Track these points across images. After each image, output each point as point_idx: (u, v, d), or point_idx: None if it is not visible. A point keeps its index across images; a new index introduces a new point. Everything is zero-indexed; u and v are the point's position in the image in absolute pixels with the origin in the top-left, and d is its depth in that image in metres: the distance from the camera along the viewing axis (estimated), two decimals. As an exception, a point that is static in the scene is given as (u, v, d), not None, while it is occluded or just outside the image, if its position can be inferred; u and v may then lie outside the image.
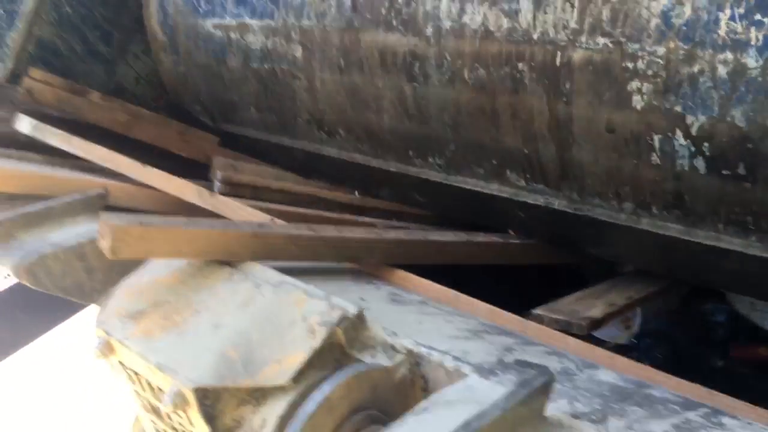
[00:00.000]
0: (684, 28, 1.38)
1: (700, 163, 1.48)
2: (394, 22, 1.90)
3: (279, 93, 2.38)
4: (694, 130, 1.45)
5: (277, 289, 1.33)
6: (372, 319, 1.29)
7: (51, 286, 1.64)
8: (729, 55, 1.34)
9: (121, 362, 1.37)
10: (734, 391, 1.99)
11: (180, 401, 1.18)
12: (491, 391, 1.08)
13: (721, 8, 1.33)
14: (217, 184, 2.12)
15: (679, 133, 1.47)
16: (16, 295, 2.56)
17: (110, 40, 2.59)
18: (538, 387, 0.96)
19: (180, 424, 1.27)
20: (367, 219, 2.12)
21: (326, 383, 1.13)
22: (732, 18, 1.32)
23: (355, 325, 1.24)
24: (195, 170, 2.36)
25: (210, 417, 1.19)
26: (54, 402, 3.99)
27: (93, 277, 1.71)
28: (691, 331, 2.13)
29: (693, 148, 1.47)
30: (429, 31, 1.82)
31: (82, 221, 1.78)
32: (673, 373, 1.86)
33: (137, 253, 1.40)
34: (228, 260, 1.46)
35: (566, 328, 1.54)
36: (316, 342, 1.20)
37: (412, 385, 1.24)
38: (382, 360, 1.23)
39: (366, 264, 1.66)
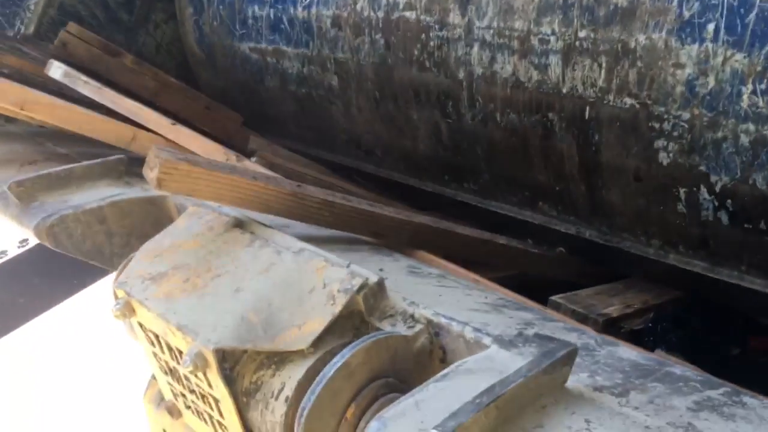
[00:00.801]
0: (708, 97, 1.44)
1: (723, 216, 1.55)
2: (427, 64, 1.96)
3: (317, 114, 2.44)
4: (717, 188, 1.52)
5: (297, 256, 1.33)
6: (392, 288, 1.29)
7: (72, 249, 1.65)
8: (751, 126, 1.39)
9: (140, 323, 1.38)
10: (751, 381, 1.99)
11: (200, 362, 1.18)
12: (512, 362, 1.08)
13: (743, 83, 1.38)
14: (253, 158, 2.11)
15: (703, 189, 1.54)
16: (33, 262, 2.58)
17: (132, 8, 2.59)
18: (561, 357, 0.96)
19: (198, 386, 1.28)
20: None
21: (346, 349, 1.12)
22: (754, 92, 1.37)
23: (375, 293, 1.24)
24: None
25: (229, 379, 1.20)
26: (68, 370, 4.03)
27: (113, 241, 1.71)
28: (708, 319, 2.11)
29: (716, 203, 1.54)
30: (461, 74, 1.88)
31: (102, 186, 1.78)
32: (689, 358, 1.86)
33: (181, 189, 1.42)
34: (265, 212, 1.49)
35: (582, 321, 1.54)
36: (336, 308, 1.20)
37: (430, 355, 1.24)
38: (402, 329, 1.22)
39: (391, 242, 1.66)
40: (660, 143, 1.54)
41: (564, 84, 1.65)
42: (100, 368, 3.54)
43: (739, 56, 1.36)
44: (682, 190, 1.56)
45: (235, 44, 2.51)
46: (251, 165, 1.87)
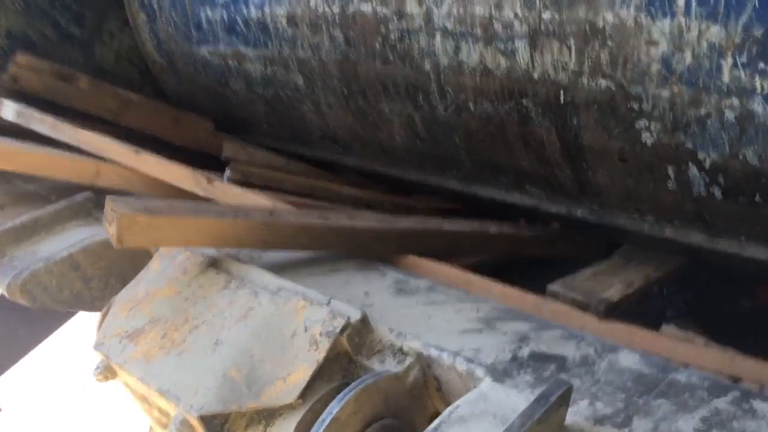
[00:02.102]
0: (686, 74, 1.33)
1: (716, 191, 1.47)
2: (391, 57, 1.85)
3: (288, 114, 2.34)
4: (707, 165, 1.43)
5: (275, 296, 1.27)
6: (377, 319, 1.23)
7: (49, 301, 1.60)
8: (735, 101, 1.30)
9: (124, 383, 1.33)
10: (763, 331, 1.94)
11: (187, 429, 1.14)
12: (506, 398, 1.03)
13: (722, 56, 1.28)
14: (227, 172, 2.02)
15: (692, 166, 1.45)
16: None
17: (83, 21, 2.46)
18: (555, 402, 0.90)
19: (192, 443, 1.24)
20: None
21: (334, 402, 1.07)
22: (735, 66, 1.27)
23: (359, 330, 1.19)
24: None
25: (220, 439, 1.16)
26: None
27: (91, 285, 1.66)
28: (714, 269, 2.05)
29: (707, 179, 1.45)
30: (427, 66, 1.78)
31: (72, 227, 1.72)
32: (699, 322, 1.81)
33: (144, 242, 1.36)
34: (238, 247, 1.42)
35: (583, 309, 1.47)
36: (320, 354, 1.15)
37: (425, 386, 1.19)
38: (391, 365, 1.17)
39: (377, 254, 1.60)
40: (641, 123, 1.45)
41: (534, 69, 1.55)
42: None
43: (714, 29, 1.25)
44: (670, 168, 1.48)
45: (194, 49, 2.40)
46: (222, 187, 1.79)
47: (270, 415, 1.14)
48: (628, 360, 1.16)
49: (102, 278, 1.67)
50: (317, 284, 1.41)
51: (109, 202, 1.31)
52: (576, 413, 0.98)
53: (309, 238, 1.49)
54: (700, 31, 1.27)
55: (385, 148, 2.13)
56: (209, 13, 2.24)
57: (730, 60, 1.26)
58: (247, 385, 1.14)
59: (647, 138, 1.45)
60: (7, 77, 2.19)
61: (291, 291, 1.26)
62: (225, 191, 1.81)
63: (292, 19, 2.02)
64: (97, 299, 1.68)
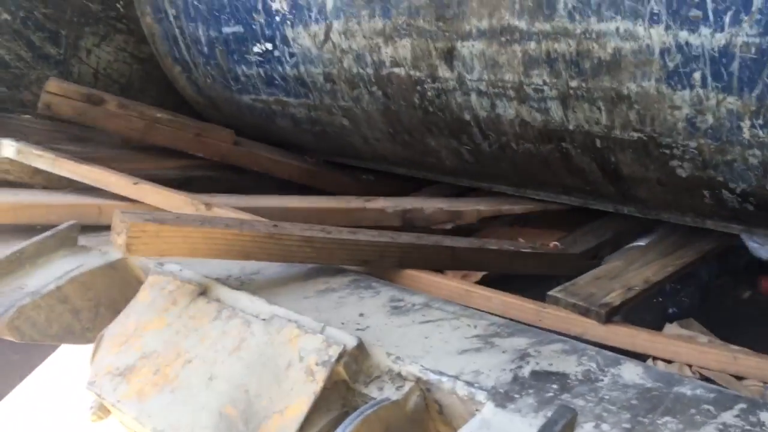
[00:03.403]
0: (710, 131, 1.46)
1: (749, 207, 1.59)
2: (431, 108, 1.95)
3: (337, 143, 2.44)
4: (738, 191, 1.56)
5: (268, 325, 1.24)
6: (374, 344, 1.20)
7: (38, 336, 1.56)
8: (757, 152, 1.43)
9: (121, 422, 1.30)
10: (764, 322, 1.93)
11: (184, 470, 1.11)
12: (510, 425, 1.01)
13: (741, 119, 1.40)
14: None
15: (725, 192, 1.58)
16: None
17: (58, 40, 2.41)
18: (561, 430, 0.88)
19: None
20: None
21: (333, 436, 1.05)
22: (753, 126, 1.39)
23: (355, 358, 1.16)
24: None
25: (219, 477, 1.13)
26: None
27: (80, 317, 1.62)
28: (715, 263, 2.04)
29: (740, 200, 1.58)
30: (467, 116, 1.88)
31: (58, 258, 1.68)
32: (700, 315, 1.80)
33: (152, 251, 1.36)
34: (243, 259, 1.45)
35: (584, 314, 1.45)
36: (317, 385, 1.12)
37: (426, 410, 1.16)
38: (390, 392, 1.15)
39: (378, 267, 1.59)
40: (675, 163, 1.56)
41: (569, 122, 1.65)
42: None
43: (731, 98, 1.36)
44: (705, 192, 1.60)
45: (235, 96, 2.46)
46: (220, 212, 1.76)
47: (269, 450, 1.12)
48: (631, 374, 1.13)
49: (91, 309, 1.63)
50: (310, 307, 1.39)
51: (118, 213, 1.32)
52: (582, 438, 0.96)
53: (313, 250, 1.48)
54: (717, 101, 1.40)
55: (435, 168, 2.24)
56: (245, 69, 2.31)
57: (748, 122, 1.37)
58: (243, 421, 1.12)
59: (681, 172, 1.58)
60: (41, 104, 2.25)
61: (284, 318, 1.23)
62: (223, 216, 1.79)
63: (328, 77, 2.10)
64: (87, 330, 1.64)
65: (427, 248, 1.63)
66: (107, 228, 1.73)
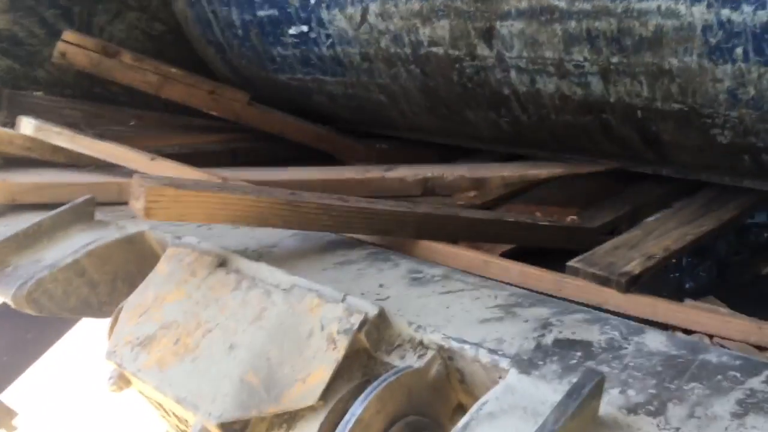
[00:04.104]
0: (752, 101, 1.49)
1: None
2: (469, 85, 1.97)
3: (374, 117, 2.46)
4: None
5: (288, 294, 1.23)
6: (394, 313, 1.20)
7: (56, 309, 1.57)
8: None
9: (140, 391, 1.31)
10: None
11: (207, 437, 1.11)
12: (535, 390, 1.00)
13: None
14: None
15: (764, 155, 1.62)
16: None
17: (71, 17, 2.40)
18: (588, 395, 0.87)
19: (212, 450, 1.22)
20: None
21: (356, 402, 1.04)
22: None
23: (377, 326, 1.16)
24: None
25: (241, 445, 1.13)
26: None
27: (98, 291, 1.62)
28: (733, 238, 2.02)
29: None
30: (506, 91, 1.90)
31: (75, 232, 1.68)
32: (718, 291, 1.79)
33: (171, 216, 1.37)
34: (261, 225, 1.44)
35: (604, 283, 1.44)
36: (339, 353, 1.11)
37: (448, 380, 1.16)
38: (412, 360, 1.14)
39: (395, 237, 1.58)
40: (716, 131, 1.59)
41: (610, 96, 1.68)
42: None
43: None
44: (745, 156, 1.64)
45: (271, 76, 2.49)
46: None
47: (291, 418, 1.12)
48: (655, 342, 1.12)
49: (109, 283, 1.63)
50: (330, 278, 1.38)
51: (137, 178, 1.33)
52: (608, 403, 0.95)
53: (330, 218, 1.48)
54: (759, 74, 1.44)
55: (473, 137, 2.26)
56: (281, 50, 2.34)
57: None
58: (265, 389, 1.11)
59: (722, 139, 1.61)
60: (57, 52, 2.27)
61: (304, 288, 1.23)
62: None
63: (365, 56, 2.12)
64: (105, 304, 1.64)
65: (445, 218, 1.62)
66: (124, 204, 1.74)
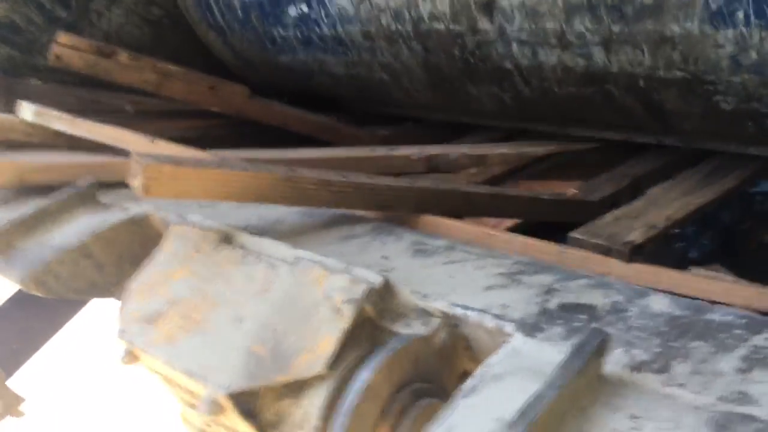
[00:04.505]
0: (754, 66, 1.50)
1: None
2: (472, 60, 1.98)
3: (377, 98, 2.47)
4: None
5: (293, 267, 1.24)
6: (399, 283, 1.21)
7: (63, 291, 1.58)
8: None
9: (149, 367, 1.32)
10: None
11: (216, 408, 1.12)
12: (540, 352, 1.01)
13: None
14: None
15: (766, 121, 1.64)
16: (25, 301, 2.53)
17: (68, 2, 2.40)
18: (593, 352, 0.88)
19: (222, 422, 1.23)
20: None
21: (364, 369, 1.06)
22: None
23: (382, 295, 1.16)
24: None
25: (250, 415, 1.14)
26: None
27: (104, 272, 1.63)
28: (737, 207, 2.03)
29: None
30: (508, 65, 1.91)
31: (80, 215, 1.69)
32: (722, 259, 1.80)
33: (169, 193, 1.37)
34: (260, 201, 1.45)
35: (606, 253, 1.45)
36: (345, 322, 1.12)
37: (453, 347, 1.17)
38: (418, 328, 1.15)
39: (395, 212, 1.59)
40: (718, 98, 1.60)
41: (612, 65, 1.69)
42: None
43: None
44: (749, 123, 1.64)
45: (273, 57, 2.49)
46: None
47: (299, 387, 1.12)
48: (659, 304, 1.13)
49: (115, 264, 1.64)
50: (334, 252, 1.38)
51: (135, 156, 1.32)
52: (613, 362, 0.96)
53: (330, 194, 1.48)
54: (761, 37, 1.44)
55: (476, 113, 2.26)
56: (281, 30, 2.33)
57: None
58: (273, 359, 1.13)
59: (725, 106, 1.62)
60: (51, 56, 2.24)
61: (309, 261, 1.24)
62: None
63: (367, 35, 2.12)
64: (111, 285, 1.65)
65: (445, 193, 1.62)
66: (126, 186, 1.75)
